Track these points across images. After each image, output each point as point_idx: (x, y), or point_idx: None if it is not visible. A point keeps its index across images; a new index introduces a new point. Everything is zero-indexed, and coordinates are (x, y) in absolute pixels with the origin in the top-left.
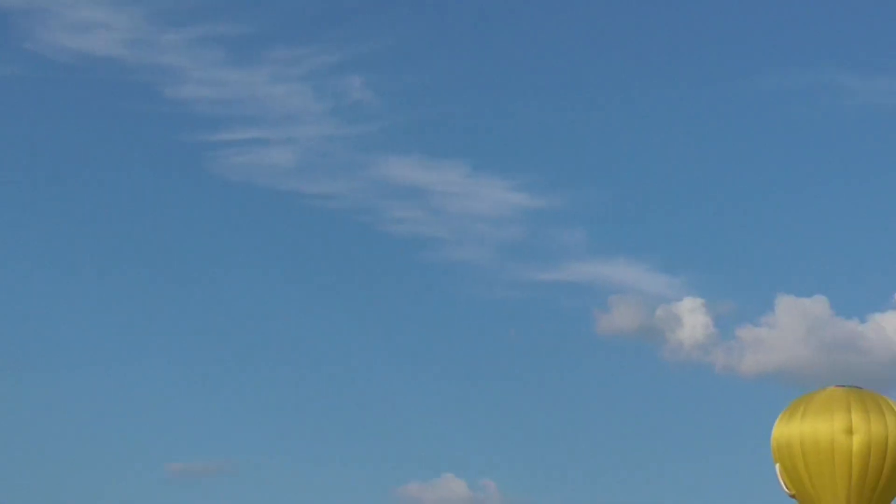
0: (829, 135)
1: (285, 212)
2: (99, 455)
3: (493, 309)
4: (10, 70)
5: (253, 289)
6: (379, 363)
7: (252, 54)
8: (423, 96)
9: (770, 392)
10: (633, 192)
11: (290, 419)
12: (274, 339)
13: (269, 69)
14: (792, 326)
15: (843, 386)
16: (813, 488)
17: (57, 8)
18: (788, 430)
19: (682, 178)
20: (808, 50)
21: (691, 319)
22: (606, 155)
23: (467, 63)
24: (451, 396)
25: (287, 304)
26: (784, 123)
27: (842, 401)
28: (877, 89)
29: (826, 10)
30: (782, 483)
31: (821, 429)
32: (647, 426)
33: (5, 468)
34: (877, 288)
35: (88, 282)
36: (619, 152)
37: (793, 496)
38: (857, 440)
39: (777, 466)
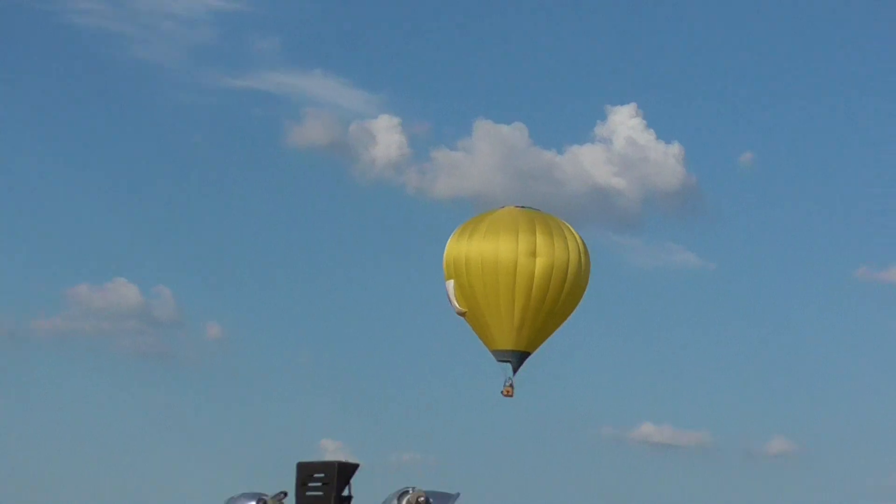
0: None
1: None
2: None
3: (179, 113)
4: None
5: None
6: (49, 160)
7: None
8: None
9: (462, 216)
10: (332, 2)
11: None
12: None
13: None
14: (488, 152)
15: (522, 207)
16: (487, 307)
17: None
18: (468, 247)
19: None
20: None
21: (386, 138)
22: None
23: None
24: (127, 200)
25: None
26: None
27: (525, 222)
28: None
29: None
30: (453, 300)
31: (504, 248)
32: (332, 240)
33: None
34: (576, 120)
35: None
36: None
37: (462, 314)
38: (541, 263)
39: (451, 283)
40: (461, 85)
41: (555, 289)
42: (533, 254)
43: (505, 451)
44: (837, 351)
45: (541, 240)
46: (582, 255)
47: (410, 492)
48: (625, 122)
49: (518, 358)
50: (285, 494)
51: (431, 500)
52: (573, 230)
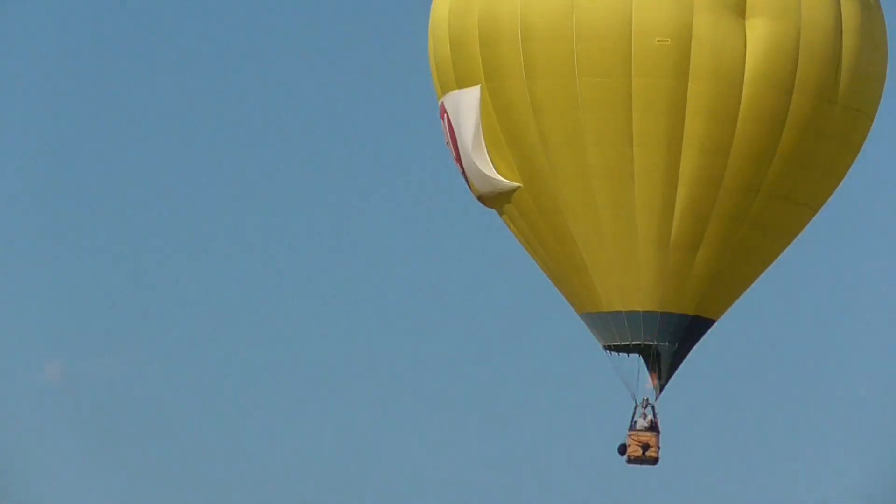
0: None
1: None
2: None
3: None
4: None
5: None
6: None
7: None
8: None
9: None
10: None
11: None
12: None
13: None
14: None
15: None
16: (573, 186)
17: None
18: None
19: None
20: None
21: None
22: None
23: None
24: None
25: None
26: None
27: None
28: None
29: None
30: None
31: None
32: None
33: None
34: None
35: None
36: None
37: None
38: (762, 32)
39: (463, 100)
40: None
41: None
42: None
43: None
44: None
45: None
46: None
47: None
48: None
49: (673, 334)
50: None
51: None
52: None
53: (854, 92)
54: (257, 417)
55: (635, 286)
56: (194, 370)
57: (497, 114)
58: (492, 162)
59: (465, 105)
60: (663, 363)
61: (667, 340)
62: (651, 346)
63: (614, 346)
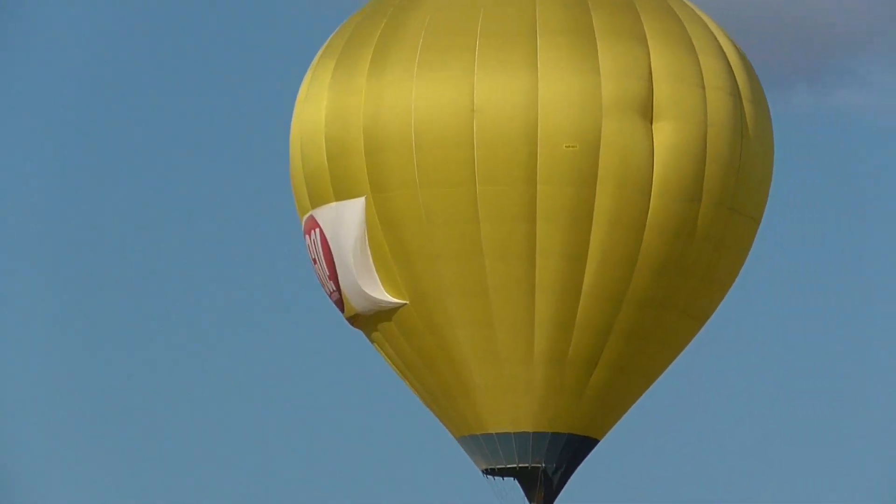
0: None
1: None
2: None
3: None
4: None
5: None
6: None
7: None
8: None
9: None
10: None
11: None
12: None
13: None
14: None
15: None
16: (450, 306)
17: None
18: (376, 97)
19: None
20: None
21: None
22: None
23: None
24: None
25: None
26: None
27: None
28: None
29: None
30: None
31: (501, 97)
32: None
33: None
34: None
35: None
36: None
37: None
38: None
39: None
40: None
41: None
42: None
43: None
44: None
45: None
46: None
47: None
48: None
49: (562, 455)
50: None
51: None
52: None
53: (748, 197)
54: None
55: (528, 406)
56: None
57: (384, 227)
58: (378, 278)
59: (347, 218)
60: (551, 484)
61: (554, 462)
62: (538, 467)
63: (497, 469)
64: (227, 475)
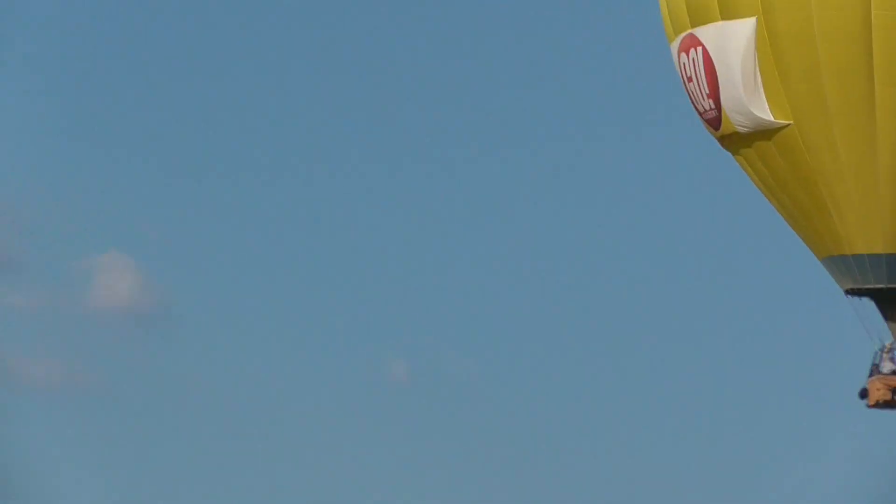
0: None
1: None
2: None
3: None
4: None
5: None
6: None
7: None
8: None
9: None
10: None
11: None
12: None
13: None
14: None
15: None
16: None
17: None
18: None
19: None
20: None
21: None
22: None
23: None
24: None
25: None
26: None
27: None
28: None
29: None
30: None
31: None
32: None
33: None
34: None
35: None
36: None
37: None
38: None
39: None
40: None
41: None
42: None
43: None
44: None
45: None
46: None
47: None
48: None
49: None
50: None
51: None
52: None
53: None
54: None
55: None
56: None
57: (773, 48)
58: (766, 97)
59: (736, 37)
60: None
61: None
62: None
63: (856, 289)
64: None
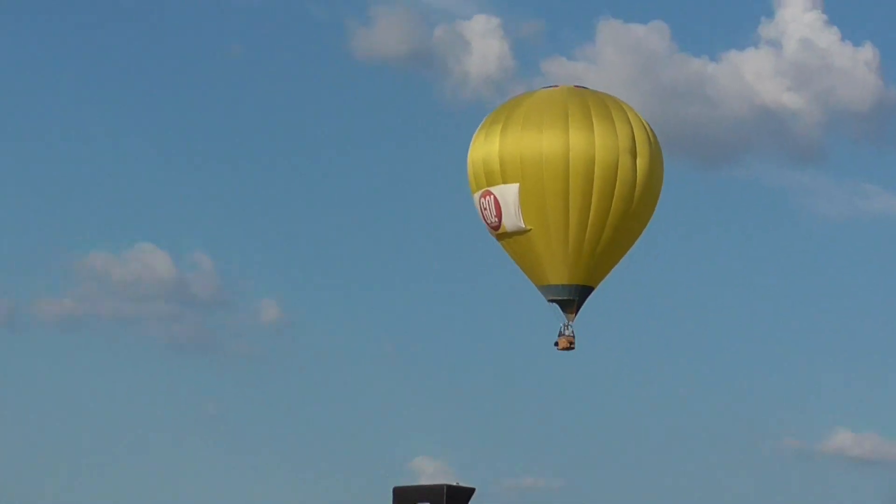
0: None
1: None
2: None
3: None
4: None
5: None
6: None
7: None
8: None
9: None
10: None
11: None
12: None
13: None
14: (618, 62)
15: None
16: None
17: None
18: (500, 144)
19: None
20: None
21: (482, 45)
22: None
23: None
24: (152, 141)
25: None
26: None
27: (577, 105)
28: None
29: None
30: (514, 212)
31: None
32: (416, 169)
33: None
34: (734, 19)
35: None
36: None
37: (506, 233)
38: (602, 157)
39: (502, 191)
40: None
41: (622, 194)
42: (590, 147)
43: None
44: None
45: (600, 128)
46: (652, 144)
47: None
48: (799, 19)
49: (580, 294)
50: None
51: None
52: (636, 113)
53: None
54: None
55: (564, 270)
56: None
57: (524, 196)
58: (523, 218)
59: (510, 192)
60: (575, 308)
61: (576, 297)
62: (571, 300)
63: (553, 299)
64: None
